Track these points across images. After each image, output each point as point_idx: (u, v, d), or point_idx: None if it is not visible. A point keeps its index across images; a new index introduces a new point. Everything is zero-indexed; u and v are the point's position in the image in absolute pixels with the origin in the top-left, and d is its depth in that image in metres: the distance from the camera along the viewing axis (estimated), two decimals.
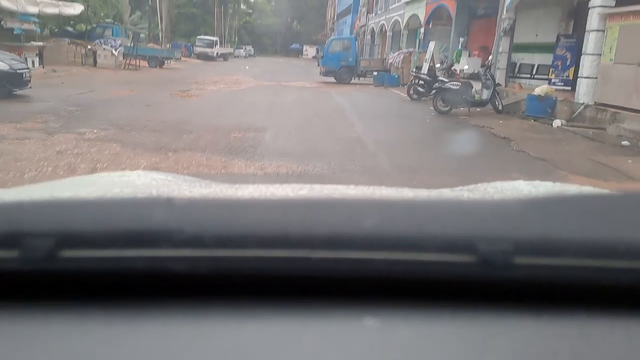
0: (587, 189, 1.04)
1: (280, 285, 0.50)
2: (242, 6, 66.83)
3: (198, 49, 37.97)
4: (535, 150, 6.68)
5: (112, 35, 22.84)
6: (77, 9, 18.51)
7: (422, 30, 19.89)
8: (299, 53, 65.14)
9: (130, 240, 0.48)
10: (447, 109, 10.38)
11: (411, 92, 13.31)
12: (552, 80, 13.09)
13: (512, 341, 0.46)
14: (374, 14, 32.89)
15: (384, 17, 29.22)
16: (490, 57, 12.18)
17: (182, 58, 34.11)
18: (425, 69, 14.31)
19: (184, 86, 14.85)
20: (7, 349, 0.43)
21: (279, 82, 18.75)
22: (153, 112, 9.35)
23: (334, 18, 55.86)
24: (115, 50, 20.30)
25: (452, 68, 12.66)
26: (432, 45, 14.63)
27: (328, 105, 11.54)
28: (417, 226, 0.50)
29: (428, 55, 14.55)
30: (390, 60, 19.17)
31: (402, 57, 18.25)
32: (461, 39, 15.97)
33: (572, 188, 1.02)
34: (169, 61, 25.04)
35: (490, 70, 10.77)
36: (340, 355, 0.43)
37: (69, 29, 26.15)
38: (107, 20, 28.23)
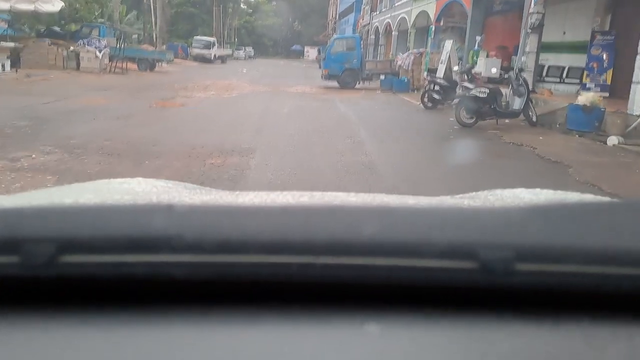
0: (588, 196, 0.99)
1: (281, 291, 0.49)
2: (242, 6, 65.31)
3: (194, 51, 36.36)
4: (607, 182, 5.05)
5: (99, 35, 21.21)
6: (56, 5, 16.86)
7: (433, 28, 18.24)
8: (300, 54, 63.88)
9: (131, 246, 0.48)
10: (472, 121, 8.74)
11: (425, 99, 11.69)
12: (587, 85, 11.48)
13: (513, 348, 0.45)
14: (378, 12, 31.26)
15: (389, 15, 27.62)
16: (523, 59, 10.53)
17: (178, 60, 32.68)
18: (440, 72, 12.68)
19: (169, 93, 13.26)
20: (7, 355, 0.43)
21: (277, 87, 17.13)
22: (120, 127, 7.76)
23: (335, 17, 54.32)
24: (100, 51, 18.70)
25: (473, 71, 11.01)
26: (448, 44, 12.96)
27: (331, 117, 9.89)
28: (418, 233, 0.50)
29: (444, 57, 12.89)
30: (398, 62, 17.46)
31: (412, 58, 16.56)
32: (478, 38, 14.30)
33: (572, 196, 0.97)
34: (160, 64, 23.46)
35: (522, 73, 9.11)
36: None
37: (56, 28, 24.64)
38: (100, 20, 26.70)
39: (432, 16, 19.43)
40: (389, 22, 27.76)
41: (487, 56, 14.31)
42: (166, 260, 0.47)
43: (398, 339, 0.45)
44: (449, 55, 12.67)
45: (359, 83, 17.71)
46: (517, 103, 8.84)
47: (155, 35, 32.78)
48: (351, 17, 42.73)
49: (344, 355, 0.44)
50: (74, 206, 0.61)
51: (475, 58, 14.43)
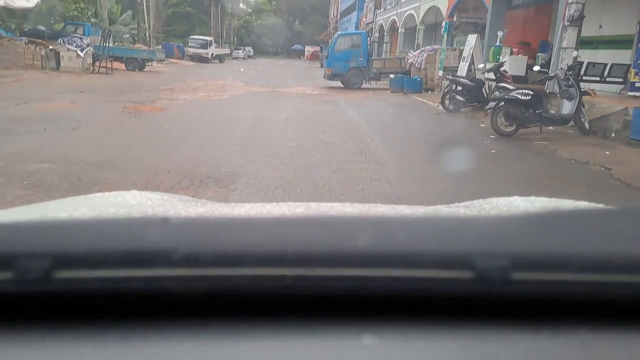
0: (583, 203, 0.98)
1: (278, 303, 0.49)
2: (242, 5, 63.78)
3: (191, 50, 34.91)
4: None
5: (84, 33, 19.60)
6: (30, 1, 15.26)
7: (448, 24, 16.60)
8: (300, 54, 62.61)
9: (126, 260, 0.47)
10: (512, 129, 7.13)
11: (447, 101, 10.09)
12: (636, 84, 9.88)
13: (512, 357, 0.45)
14: (382, 9, 29.63)
15: (394, 12, 26.03)
16: (575, 54, 8.90)
17: (174, 60, 31.14)
18: (462, 70, 11.06)
19: (151, 95, 11.65)
20: None
21: (275, 87, 15.50)
22: (73, 141, 6.14)
23: (337, 16, 52.73)
24: (82, 50, 17.11)
25: (502, 69, 9.40)
26: (472, 39, 11.33)
27: (337, 125, 8.24)
28: (414, 243, 0.50)
29: (466, 53, 11.26)
30: (410, 60, 15.82)
31: (425, 56, 14.93)
32: (499, 33, 12.62)
33: (567, 203, 0.96)
34: (150, 63, 21.86)
35: (575, 72, 7.47)
36: None
37: (42, 27, 23.12)
38: (93, 20, 25.14)
39: (445, 11, 17.83)
40: (394, 19, 26.19)
41: (511, 53, 12.69)
42: (162, 274, 0.47)
43: (395, 350, 0.45)
44: (472, 52, 11.03)
45: (365, 83, 16.11)
46: (568, 107, 7.22)
47: (149, 34, 31.24)
48: (353, 16, 41.22)
49: None
50: (69, 220, 0.61)
51: (497, 55, 12.81)
